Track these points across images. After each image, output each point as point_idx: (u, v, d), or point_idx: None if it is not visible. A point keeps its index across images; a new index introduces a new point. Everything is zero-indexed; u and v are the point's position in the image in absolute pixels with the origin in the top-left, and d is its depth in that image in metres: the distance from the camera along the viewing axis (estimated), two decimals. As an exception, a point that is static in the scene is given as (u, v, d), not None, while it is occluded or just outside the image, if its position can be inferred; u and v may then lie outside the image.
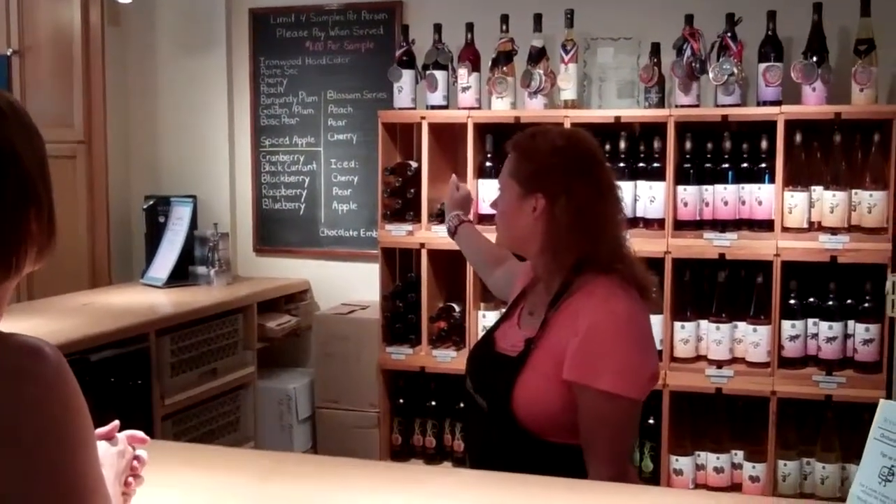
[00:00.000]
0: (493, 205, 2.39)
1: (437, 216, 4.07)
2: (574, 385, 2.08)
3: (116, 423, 1.59)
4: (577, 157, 2.21)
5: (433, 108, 4.11)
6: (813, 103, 3.67)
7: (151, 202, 4.77)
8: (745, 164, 3.74)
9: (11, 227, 1.23)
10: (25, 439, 1.14)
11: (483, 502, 1.86)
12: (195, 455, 2.25)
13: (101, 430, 1.52)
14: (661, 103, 3.89)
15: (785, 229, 3.65)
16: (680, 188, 3.75)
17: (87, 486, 1.19)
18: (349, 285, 4.71)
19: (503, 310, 3.88)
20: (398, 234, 4.11)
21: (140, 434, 1.64)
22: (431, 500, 1.87)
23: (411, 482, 2.01)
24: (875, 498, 1.49)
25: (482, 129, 4.04)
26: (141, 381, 3.67)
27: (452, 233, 2.92)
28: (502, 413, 2.13)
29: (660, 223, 3.74)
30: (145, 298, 4.29)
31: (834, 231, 3.61)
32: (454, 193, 2.98)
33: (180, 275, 4.57)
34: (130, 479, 1.60)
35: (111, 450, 1.55)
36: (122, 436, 1.60)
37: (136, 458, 1.62)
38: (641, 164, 3.81)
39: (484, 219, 3.97)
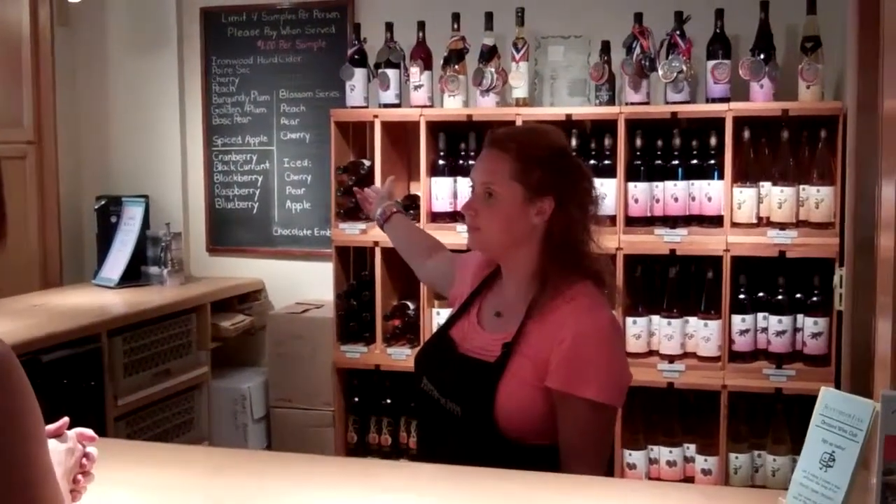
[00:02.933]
0: (470, 207, 2.25)
1: (391, 214, 4.07)
2: (557, 393, 2.08)
3: (66, 420, 1.58)
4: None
5: (385, 106, 4.11)
6: (760, 100, 3.72)
7: (103, 202, 4.73)
8: (694, 161, 3.78)
9: None
10: None
11: (439, 494, 1.87)
12: (145, 453, 2.25)
13: (50, 428, 1.51)
14: (611, 101, 3.92)
15: (734, 225, 3.70)
16: (631, 185, 3.78)
17: (35, 479, 1.19)
18: (303, 284, 4.70)
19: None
20: (352, 232, 4.11)
21: (89, 432, 1.63)
22: (385, 493, 1.88)
23: (364, 476, 2.01)
24: (816, 483, 1.52)
25: (435, 128, 4.06)
26: (94, 382, 3.64)
27: (383, 222, 2.87)
28: (481, 420, 2.10)
29: (611, 219, 3.76)
30: (97, 299, 4.25)
31: (782, 226, 3.66)
32: (380, 190, 2.97)
33: (133, 275, 4.53)
34: (80, 476, 1.60)
35: (60, 447, 1.54)
36: (72, 433, 1.59)
37: (86, 455, 1.61)
38: (592, 162, 3.84)
39: (438, 217, 3.99)
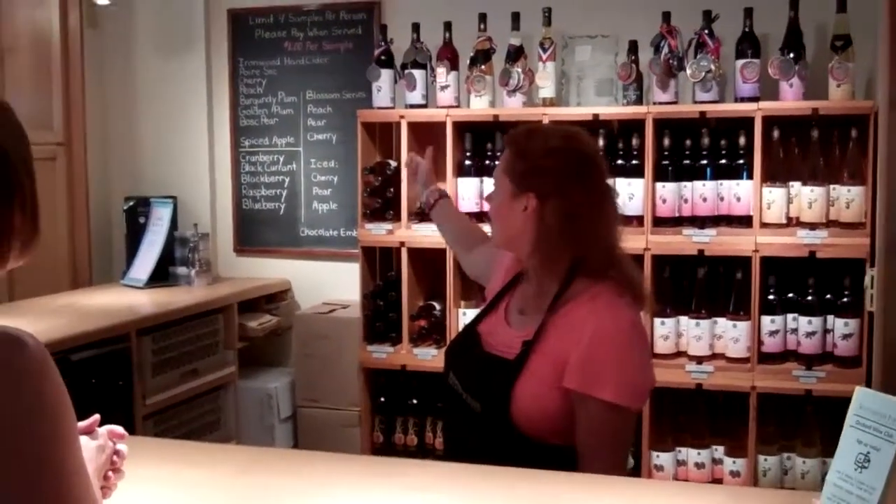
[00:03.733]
0: (489, 199, 2.36)
1: (418, 215, 4.08)
2: (574, 393, 2.07)
3: (97, 417, 1.59)
4: (572, 159, 2.18)
5: (412, 107, 4.12)
6: (790, 99, 3.69)
7: (131, 203, 4.76)
8: (723, 161, 3.76)
9: None
10: (7, 429, 1.14)
11: (468, 494, 1.86)
12: (174, 451, 2.25)
13: (81, 425, 1.51)
14: (639, 100, 3.90)
15: (763, 225, 3.67)
16: (658, 185, 3.76)
17: (68, 474, 1.20)
18: (330, 285, 4.71)
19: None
20: (378, 233, 4.11)
21: (119, 429, 1.64)
22: (413, 492, 1.87)
23: (388, 475, 2.00)
24: (851, 484, 1.50)
25: (461, 128, 4.05)
26: (122, 381, 3.66)
27: (430, 207, 2.89)
28: (499, 416, 2.11)
29: (639, 220, 3.75)
30: (126, 299, 4.28)
31: (812, 226, 3.63)
32: (426, 166, 2.94)
33: (161, 275, 4.56)
34: (110, 473, 1.60)
35: (91, 444, 1.55)
36: (103, 430, 1.60)
37: (116, 452, 1.62)
38: (620, 162, 3.83)
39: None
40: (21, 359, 1.17)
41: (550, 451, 2.08)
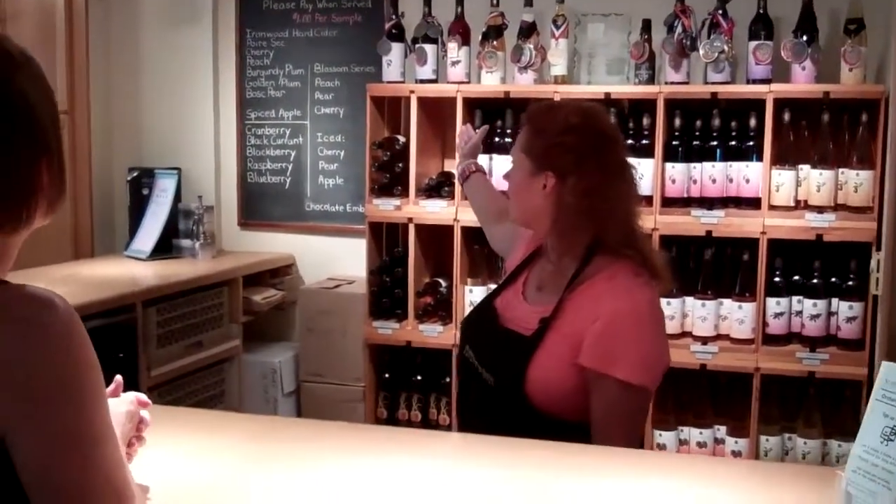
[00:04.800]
0: (506, 176, 2.35)
1: (426, 191, 4.07)
2: (590, 371, 2.08)
3: (119, 379, 1.59)
4: (591, 136, 2.17)
5: (422, 81, 4.10)
6: (802, 82, 3.69)
7: (135, 174, 4.74)
8: (733, 142, 3.76)
9: (23, 178, 1.24)
10: (36, 389, 1.15)
11: (482, 463, 1.87)
12: (190, 418, 2.27)
13: (107, 389, 1.51)
14: (650, 80, 3.90)
15: (772, 207, 3.68)
16: (668, 165, 3.76)
17: (97, 436, 1.20)
18: (334, 260, 4.70)
19: (491, 285, 3.95)
20: (386, 208, 4.10)
21: (143, 397, 1.64)
22: (428, 460, 1.89)
23: (405, 444, 2.02)
24: (877, 457, 1.51)
25: (471, 104, 4.04)
26: (127, 352, 3.66)
27: (465, 179, 2.92)
28: (513, 391, 2.12)
29: (648, 200, 3.74)
30: (130, 270, 4.27)
31: (820, 210, 3.64)
32: (476, 139, 2.97)
33: (164, 247, 4.55)
34: (133, 440, 1.60)
35: (120, 409, 1.55)
36: (131, 397, 1.60)
37: (140, 419, 1.62)
38: (630, 141, 3.80)
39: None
40: (51, 318, 1.17)
41: (564, 427, 2.09)
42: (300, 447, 1.94)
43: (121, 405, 1.56)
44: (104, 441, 1.21)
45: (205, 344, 4.17)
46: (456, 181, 3.50)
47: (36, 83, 1.27)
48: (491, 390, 2.19)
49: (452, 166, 4.09)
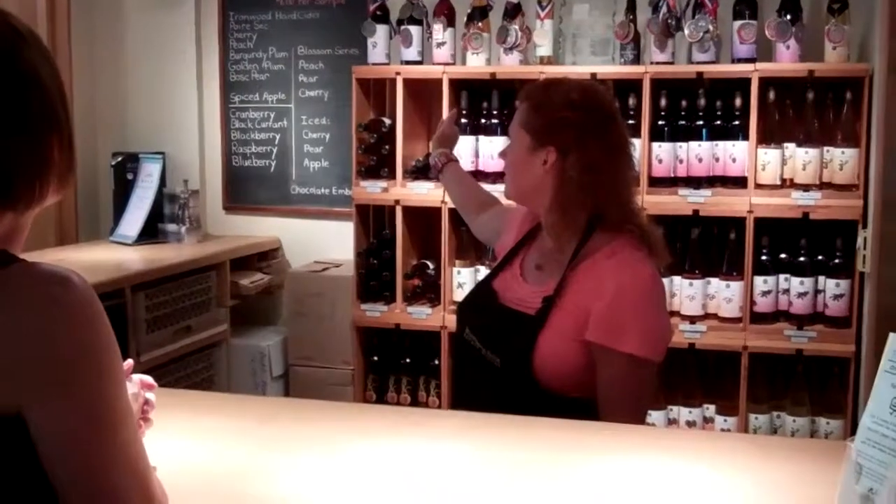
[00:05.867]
0: (502, 154, 2.36)
1: (412, 173, 4.07)
2: (597, 347, 2.09)
3: (130, 362, 1.59)
4: (592, 111, 2.18)
5: (407, 63, 4.09)
6: (786, 61, 3.70)
7: (119, 159, 4.71)
8: (718, 122, 3.77)
9: (35, 153, 1.23)
10: (54, 365, 1.14)
11: (492, 442, 1.88)
12: (193, 400, 2.26)
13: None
14: (636, 60, 3.90)
15: (758, 186, 3.69)
16: (655, 145, 3.77)
17: (118, 412, 1.19)
18: (320, 243, 4.69)
19: (479, 267, 3.95)
20: (373, 190, 4.10)
21: (149, 379, 1.64)
22: (439, 440, 1.89)
23: (417, 424, 2.02)
24: (886, 427, 1.51)
25: (457, 85, 4.03)
26: (117, 337, 3.63)
27: (438, 170, 2.87)
28: (520, 372, 2.13)
29: (635, 179, 3.75)
30: (116, 255, 4.25)
31: (806, 188, 3.65)
32: (443, 129, 2.92)
33: (150, 232, 4.53)
34: (140, 422, 1.60)
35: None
36: (136, 378, 1.60)
37: (146, 401, 1.62)
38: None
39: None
40: (68, 295, 1.16)
41: (570, 404, 2.10)
42: (316, 430, 1.94)
43: (128, 387, 1.56)
44: (123, 416, 1.20)
45: (193, 328, 4.16)
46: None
47: (44, 59, 1.26)
48: (496, 371, 2.19)
49: (439, 148, 4.10)
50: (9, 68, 1.21)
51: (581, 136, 2.15)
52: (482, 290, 2.38)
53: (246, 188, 4.83)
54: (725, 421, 3.79)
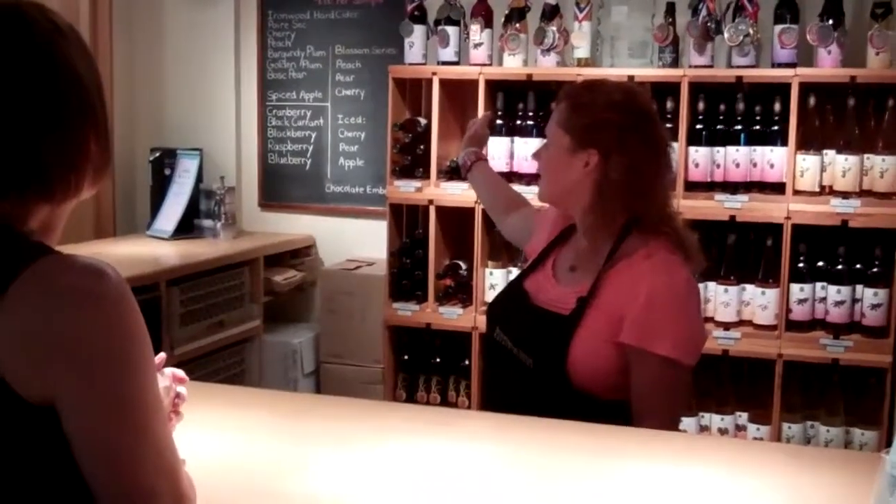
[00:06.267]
0: (536, 156, 2.34)
1: (447, 173, 4.07)
2: (631, 349, 2.08)
3: (163, 356, 1.60)
4: (634, 113, 2.17)
5: (444, 64, 4.09)
6: (828, 66, 3.65)
7: (157, 154, 4.75)
8: (757, 127, 3.72)
9: (71, 146, 1.25)
10: (88, 357, 1.15)
11: (523, 445, 1.87)
12: (225, 394, 2.27)
13: None
14: (674, 63, 3.87)
15: (796, 192, 3.64)
16: (692, 149, 3.74)
17: (148, 405, 1.20)
18: (354, 241, 4.70)
19: (511, 268, 3.94)
20: (407, 190, 4.10)
21: (180, 373, 1.65)
22: (471, 441, 1.89)
23: (448, 424, 2.02)
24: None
25: (494, 86, 4.02)
26: (151, 331, 3.64)
27: (467, 170, 2.85)
28: (554, 372, 2.11)
29: (671, 183, 3.72)
30: (153, 250, 4.30)
31: (845, 195, 3.60)
32: (475, 128, 2.90)
33: (186, 227, 4.56)
34: (171, 415, 1.61)
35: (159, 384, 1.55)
36: (168, 372, 1.61)
37: (177, 395, 1.63)
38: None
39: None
40: (102, 287, 1.17)
41: (603, 407, 2.09)
42: (349, 427, 1.94)
43: (159, 381, 1.56)
44: (154, 410, 1.21)
45: (226, 324, 4.19)
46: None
47: (82, 53, 1.28)
48: (529, 371, 2.17)
49: (474, 149, 4.09)
50: (47, 62, 1.23)
51: (624, 137, 2.14)
52: (513, 291, 2.37)
53: (281, 186, 4.85)
54: (758, 429, 3.75)
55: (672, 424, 2.15)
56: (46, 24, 1.26)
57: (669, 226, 2.19)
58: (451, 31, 4.06)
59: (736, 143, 3.72)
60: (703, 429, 3.83)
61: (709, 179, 3.74)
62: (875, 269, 3.63)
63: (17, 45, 1.22)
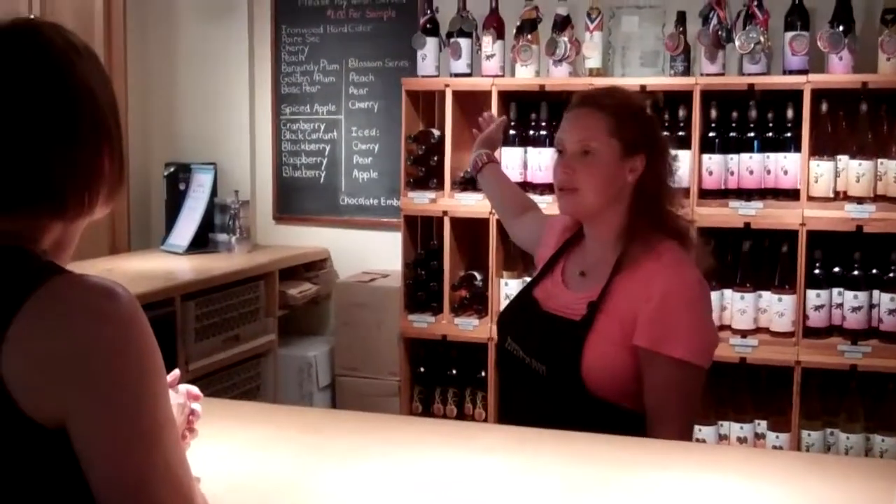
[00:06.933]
0: (569, 168, 2.18)
1: (461, 184, 4.07)
2: (644, 351, 2.07)
3: (176, 373, 1.60)
4: (656, 118, 2.26)
5: (457, 75, 4.10)
6: (839, 72, 3.65)
7: (172, 169, 4.78)
8: (770, 133, 3.72)
9: (85, 164, 1.25)
10: (99, 378, 1.15)
11: (543, 458, 1.86)
12: (239, 411, 2.26)
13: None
14: (686, 72, 3.87)
15: (811, 198, 3.64)
16: (705, 157, 3.74)
17: (159, 424, 1.19)
18: (369, 254, 4.71)
19: (526, 278, 3.93)
20: (421, 201, 4.10)
21: (195, 389, 1.65)
22: (489, 454, 1.88)
23: (466, 437, 2.01)
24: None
25: (506, 97, 4.03)
26: (166, 346, 3.65)
27: (477, 170, 2.81)
28: (568, 378, 2.10)
29: (685, 192, 3.71)
30: (168, 264, 4.31)
31: (860, 200, 3.59)
32: (489, 131, 2.89)
33: (201, 242, 4.57)
34: (186, 432, 1.61)
35: (172, 401, 1.55)
36: (182, 388, 1.61)
37: (191, 411, 1.63)
38: (666, 133, 3.78)
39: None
40: (113, 307, 1.17)
41: (618, 414, 2.08)
42: (364, 441, 1.94)
43: (172, 398, 1.56)
44: (165, 431, 1.20)
45: (241, 338, 4.19)
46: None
47: (97, 72, 1.29)
48: (542, 380, 2.16)
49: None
50: (63, 81, 1.24)
51: (661, 141, 2.21)
52: (523, 300, 2.36)
53: (296, 199, 4.87)
54: (777, 437, 3.73)
55: (687, 428, 2.13)
56: (63, 43, 1.26)
57: (675, 227, 2.20)
58: (464, 43, 4.07)
59: (749, 150, 3.72)
60: (722, 438, 3.81)
61: (723, 187, 3.74)
62: (891, 274, 3.62)
63: (34, 63, 1.23)
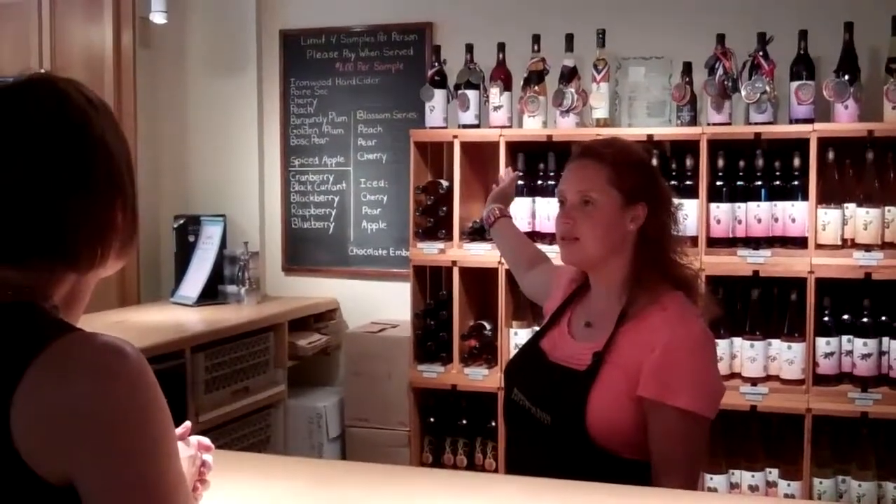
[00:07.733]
0: (570, 218, 2.21)
1: (469, 234, 4.09)
2: (649, 402, 2.06)
3: (188, 424, 1.60)
4: (656, 167, 2.24)
5: (465, 127, 4.14)
6: (845, 121, 3.69)
7: (181, 221, 4.80)
8: (777, 182, 3.75)
9: (99, 217, 1.27)
10: (107, 438, 1.14)
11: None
12: (249, 463, 2.26)
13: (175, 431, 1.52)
14: (692, 121, 3.91)
15: (819, 246, 3.65)
16: (713, 205, 3.76)
17: (169, 483, 1.19)
18: (378, 304, 4.72)
19: (536, 328, 3.93)
20: (430, 252, 4.12)
21: (206, 441, 1.65)
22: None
23: (475, 488, 2.01)
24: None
25: (514, 148, 4.07)
26: (176, 398, 3.68)
27: (490, 224, 2.87)
28: (572, 428, 2.09)
29: (693, 240, 3.73)
30: (177, 316, 4.31)
31: (868, 248, 3.61)
32: (503, 186, 2.95)
33: (210, 294, 4.59)
34: (198, 484, 1.61)
35: (183, 454, 1.55)
36: (194, 440, 1.61)
37: (203, 463, 1.63)
38: (674, 182, 3.82)
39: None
40: (122, 367, 1.17)
41: (624, 465, 2.07)
42: (373, 494, 1.93)
43: (184, 450, 1.56)
44: (175, 490, 1.20)
45: (251, 389, 4.19)
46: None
47: (113, 127, 1.31)
48: (547, 430, 2.15)
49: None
50: (80, 135, 1.26)
51: (663, 190, 2.22)
52: (529, 351, 2.36)
53: (305, 250, 4.89)
54: (789, 485, 3.71)
55: (693, 479, 2.11)
56: (80, 98, 1.29)
57: (681, 277, 2.20)
58: (472, 94, 4.12)
59: (757, 198, 3.75)
60: (734, 486, 3.79)
61: (731, 235, 3.76)
62: (901, 322, 3.62)
63: (52, 117, 1.25)
